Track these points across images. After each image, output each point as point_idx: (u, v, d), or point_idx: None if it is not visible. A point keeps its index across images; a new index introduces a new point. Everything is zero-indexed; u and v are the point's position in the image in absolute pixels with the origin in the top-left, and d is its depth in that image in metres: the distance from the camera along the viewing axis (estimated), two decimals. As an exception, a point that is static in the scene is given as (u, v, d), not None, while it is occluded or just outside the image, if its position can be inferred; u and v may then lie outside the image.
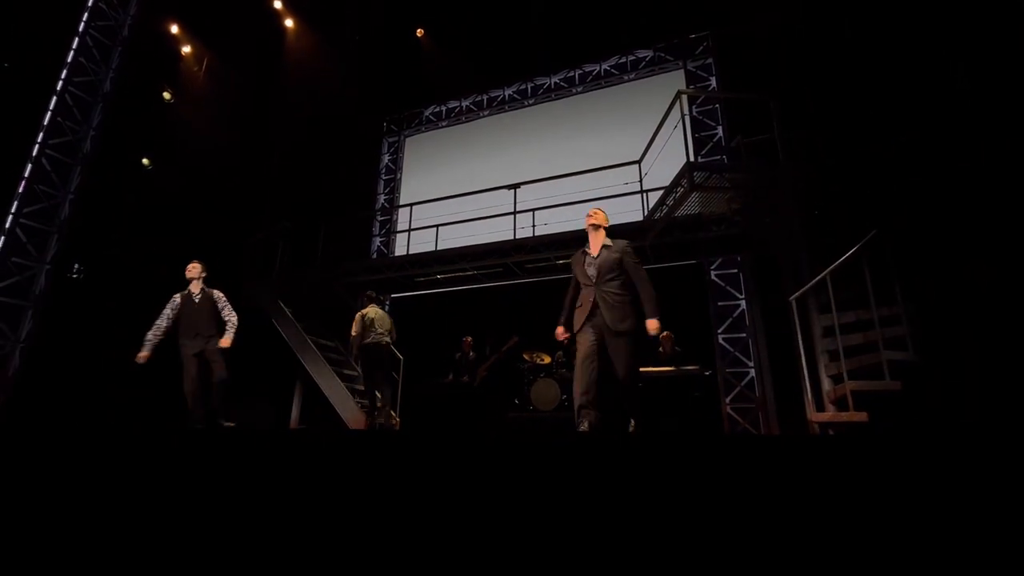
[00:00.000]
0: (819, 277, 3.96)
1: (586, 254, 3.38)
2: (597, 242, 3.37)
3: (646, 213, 5.81)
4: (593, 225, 3.40)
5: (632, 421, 3.25)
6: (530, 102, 9.25)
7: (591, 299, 3.22)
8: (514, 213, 6.76)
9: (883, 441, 2.13)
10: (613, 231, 5.64)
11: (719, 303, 6.70)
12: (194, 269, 4.70)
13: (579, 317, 3.27)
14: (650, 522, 1.12)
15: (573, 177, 6.73)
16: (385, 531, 1.20)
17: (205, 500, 1.51)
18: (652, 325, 3.13)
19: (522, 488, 1.36)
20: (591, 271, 3.28)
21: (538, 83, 9.22)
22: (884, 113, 4.81)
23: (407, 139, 10.26)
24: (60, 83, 7.49)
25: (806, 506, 1.15)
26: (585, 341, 3.20)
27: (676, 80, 7.85)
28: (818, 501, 1.17)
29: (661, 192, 5.20)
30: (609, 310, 3.14)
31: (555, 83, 9.10)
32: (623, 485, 1.34)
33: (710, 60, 7.78)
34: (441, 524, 1.20)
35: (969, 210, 3.85)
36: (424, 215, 7.66)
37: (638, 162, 5.96)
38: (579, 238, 6.24)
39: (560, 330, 3.41)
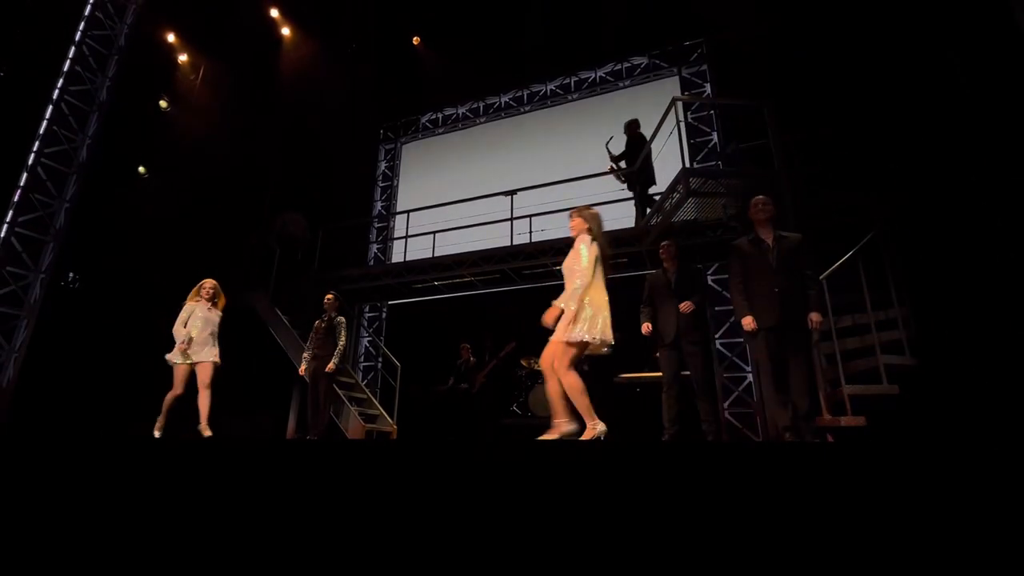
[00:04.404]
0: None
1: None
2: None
3: (642, 219, 5.83)
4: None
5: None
6: (526, 109, 9.28)
7: (776, 290, 3.13)
8: (511, 219, 6.77)
9: (881, 446, 2.13)
10: (609, 237, 5.64)
11: (716, 308, 6.71)
12: (327, 301, 5.57)
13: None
14: (647, 530, 1.12)
15: (569, 183, 6.75)
16: (382, 539, 1.19)
17: (202, 511, 1.50)
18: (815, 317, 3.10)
19: (519, 494, 1.36)
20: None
21: (534, 90, 9.26)
22: (880, 115, 4.84)
23: (404, 146, 10.28)
24: (56, 92, 7.46)
25: (804, 513, 1.15)
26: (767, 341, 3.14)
27: (671, 86, 7.89)
28: (816, 507, 1.17)
29: (657, 198, 5.22)
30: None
31: (551, 90, 9.14)
32: (620, 492, 1.33)
33: (704, 67, 7.84)
34: (437, 532, 1.19)
35: (967, 212, 3.87)
36: (421, 222, 7.67)
37: (634, 168, 5.98)
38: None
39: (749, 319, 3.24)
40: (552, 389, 2.87)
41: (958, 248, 3.90)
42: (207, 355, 4.55)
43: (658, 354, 4.01)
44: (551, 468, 1.61)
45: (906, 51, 4.71)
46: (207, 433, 4.40)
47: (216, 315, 4.74)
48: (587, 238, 3.02)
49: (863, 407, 3.61)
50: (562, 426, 2.79)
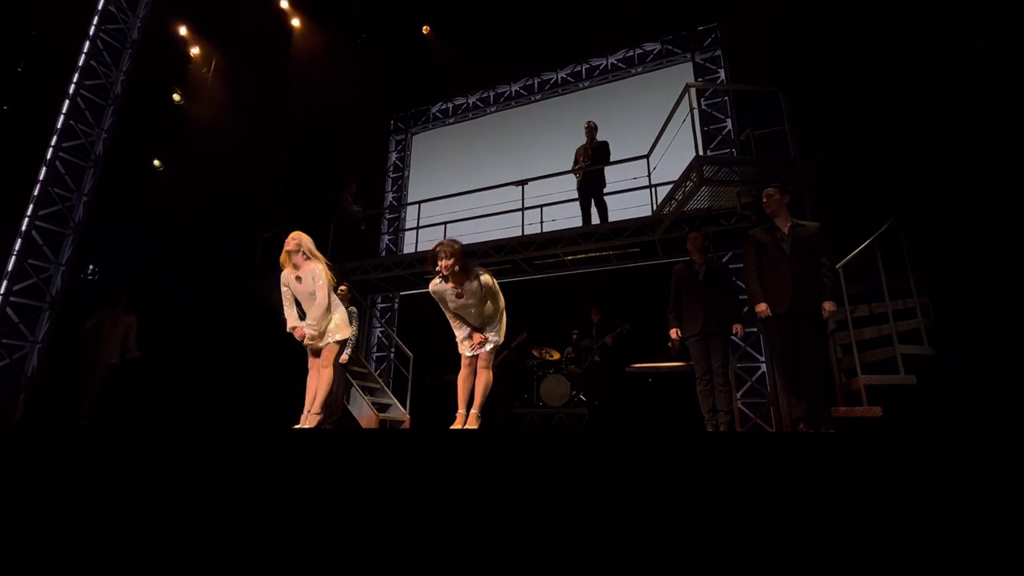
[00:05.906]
0: (831, 270, 3.91)
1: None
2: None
3: (655, 208, 5.78)
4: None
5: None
6: (537, 98, 9.21)
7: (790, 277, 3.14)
8: (522, 209, 6.74)
9: (897, 437, 2.10)
10: (622, 225, 5.62)
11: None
12: (340, 292, 4.96)
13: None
14: (659, 521, 1.12)
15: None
16: (396, 525, 1.21)
17: (222, 500, 1.53)
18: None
19: (527, 485, 1.36)
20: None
21: (545, 78, 9.17)
22: (898, 100, 4.72)
23: (414, 136, 10.27)
24: (72, 87, 7.56)
25: (818, 504, 1.14)
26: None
27: (684, 73, 7.77)
28: (830, 497, 1.16)
29: (670, 187, 5.16)
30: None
31: (562, 78, 9.04)
32: (632, 483, 1.33)
33: (718, 52, 7.69)
34: (450, 519, 1.20)
35: (988, 199, 3.77)
36: (432, 212, 7.68)
37: (646, 156, 5.92)
38: (586, 233, 6.22)
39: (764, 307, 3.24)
40: (484, 383, 3.55)
41: (979, 236, 3.80)
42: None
43: (681, 345, 3.95)
44: (565, 458, 1.61)
45: (926, 33, 4.57)
46: (305, 423, 3.66)
47: (308, 271, 3.58)
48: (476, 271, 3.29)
49: (879, 397, 3.57)
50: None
